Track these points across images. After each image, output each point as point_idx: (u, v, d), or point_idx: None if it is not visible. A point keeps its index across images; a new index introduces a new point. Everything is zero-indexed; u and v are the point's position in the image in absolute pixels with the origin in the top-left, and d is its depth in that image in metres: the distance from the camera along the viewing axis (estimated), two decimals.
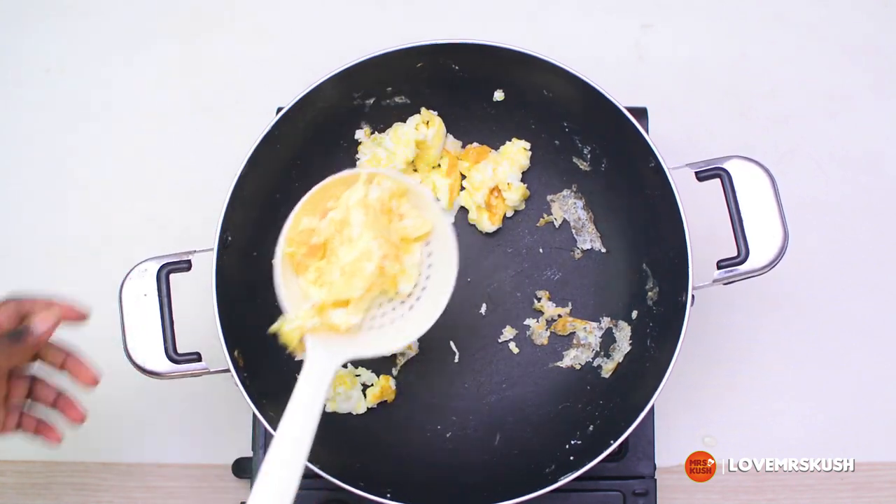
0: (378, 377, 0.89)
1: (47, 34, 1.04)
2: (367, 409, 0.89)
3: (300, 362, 0.87)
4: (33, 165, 1.01)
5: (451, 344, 0.90)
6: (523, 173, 0.92)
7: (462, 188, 0.91)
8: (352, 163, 0.91)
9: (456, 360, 0.90)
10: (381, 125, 0.90)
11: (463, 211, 0.92)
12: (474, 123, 0.92)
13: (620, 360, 0.87)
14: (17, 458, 0.93)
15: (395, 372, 0.90)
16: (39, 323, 0.73)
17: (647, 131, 0.83)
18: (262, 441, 0.88)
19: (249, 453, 0.89)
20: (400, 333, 0.77)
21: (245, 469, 0.89)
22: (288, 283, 0.74)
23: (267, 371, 0.83)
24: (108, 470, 0.93)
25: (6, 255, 0.98)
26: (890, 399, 0.94)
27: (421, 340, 0.90)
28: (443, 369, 0.90)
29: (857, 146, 1.00)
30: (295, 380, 0.86)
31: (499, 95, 0.89)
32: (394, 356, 0.90)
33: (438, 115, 0.90)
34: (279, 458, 0.67)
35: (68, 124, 1.02)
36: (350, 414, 0.88)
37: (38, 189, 1.00)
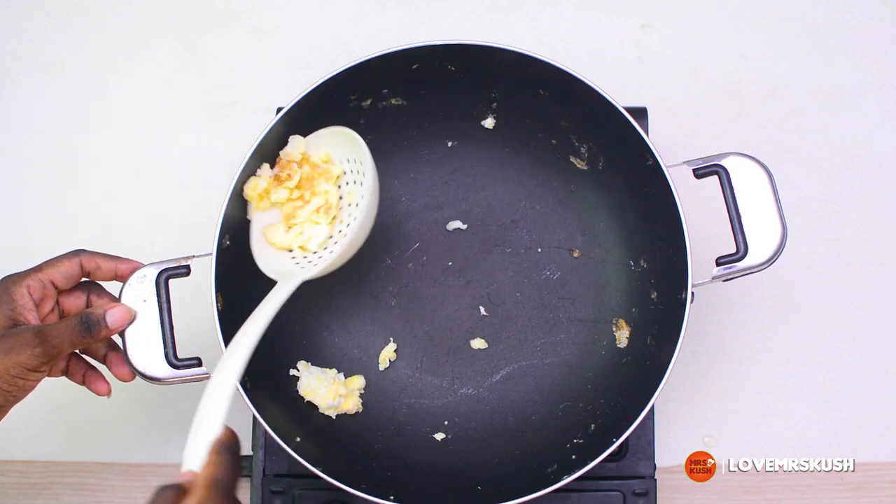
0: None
1: (47, 34, 1.04)
2: (367, 409, 0.89)
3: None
4: (32, 166, 1.01)
5: (452, 344, 0.90)
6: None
7: None
8: None
9: (456, 360, 0.90)
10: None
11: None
12: (470, 124, 0.92)
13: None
14: (17, 458, 0.93)
15: (381, 368, 0.90)
16: (114, 315, 0.76)
17: (646, 131, 0.83)
18: (261, 441, 0.89)
19: (249, 452, 0.89)
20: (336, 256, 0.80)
21: (245, 468, 0.89)
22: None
23: (267, 373, 0.83)
24: (108, 470, 0.93)
25: (4, 257, 0.98)
26: (890, 399, 0.94)
27: (421, 341, 0.90)
28: (443, 370, 0.90)
29: (858, 146, 1.00)
30: (294, 383, 0.87)
31: (494, 96, 0.90)
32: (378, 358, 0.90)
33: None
34: (224, 371, 0.69)
35: (68, 124, 1.02)
36: (351, 416, 0.88)
37: (38, 190, 1.00)
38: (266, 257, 0.81)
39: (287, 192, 0.82)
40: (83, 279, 0.78)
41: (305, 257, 0.81)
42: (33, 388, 0.75)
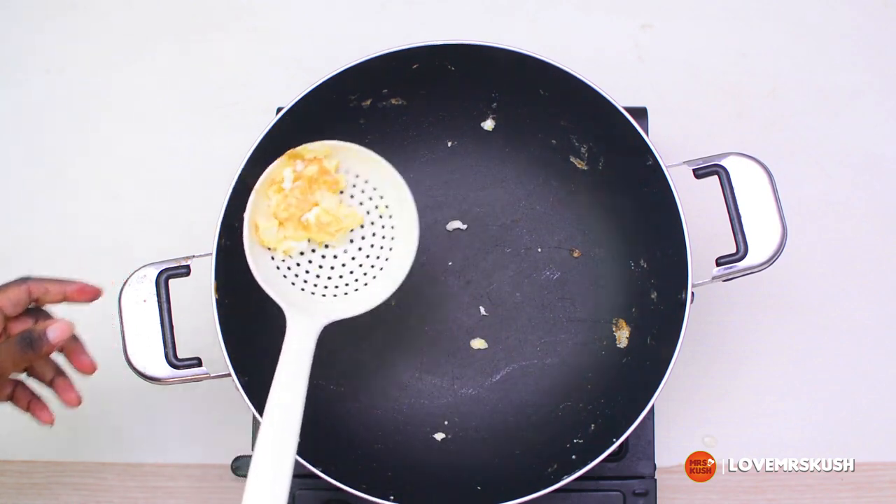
0: None
1: (47, 34, 1.04)
2: (368, 409, 0.89)
3: None
4: (32, 166, 1.01)
5: (452, 344, 0.90)
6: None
7: None
8: None
9: (456, 360, 0.90)
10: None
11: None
12: (470, 124, 0.92)
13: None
14: (17, 458, 0.93)
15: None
16: (55, 331, 0.74)
17: (646, 131, 0.83)
18: None
19: (249, 452, 0.89)
20: (372, 296, 0.79)
21: (244, 467, 0.89)
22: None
23: (268, 374, 0.83)
24: (107, 470, 0.93)
25: (2, 260, 0.98)
26: (890, 399, 0.94)
27: (421, 341, 0.90)
28: (443, 370, 0.90)
29: (858, 146, 1.00)
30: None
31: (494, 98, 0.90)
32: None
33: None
34: (269, 445, 0.67)
35: (68, 125, 1.02)
36: (351, 415, 0.88)
37: (37, 190, 1.00)
38: (259, 261, 0.79)
39: (290, 178, 0.80)
40: (31, 305, 0.77)
41: (307, 281, 0.80)
42: None
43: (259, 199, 0.79)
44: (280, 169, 0.79)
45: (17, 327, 0.76)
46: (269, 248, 0.79)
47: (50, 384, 0.79)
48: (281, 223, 0.79)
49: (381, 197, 0.81)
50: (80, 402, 0.78)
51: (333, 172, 0.81)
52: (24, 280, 0.76)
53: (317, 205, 0.80)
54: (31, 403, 0.79)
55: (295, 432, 0.69)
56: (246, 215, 0.78)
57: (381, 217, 0.81)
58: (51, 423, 0.79)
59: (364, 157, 0.81)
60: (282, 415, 0.70)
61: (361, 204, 0.81)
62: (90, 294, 0.77)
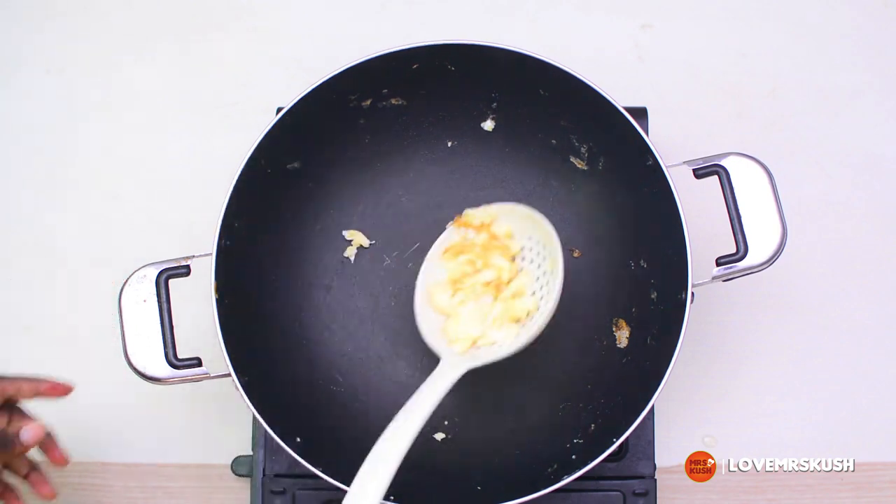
0: None
1: (47, 34, 1.04)
2: (368, 409, 0.89)
3: (300, 367, 0.88)
4: (32, 166, 1.01)
5: None
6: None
7: None
8: (350, 163, 0.91)
9: None
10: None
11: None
12: (470, 124, 0.92)
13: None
14: None
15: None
16: (28, 433, 0.76)
17: (646, 131, 0.83)
18: (261, 441, 0.88)
19: (249, 452, 0.89)
20: (518, 337, 0.81)
21: (244, 466, 0.89)
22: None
23: (267, 374, 0.83)
24: (108, 470, 0.93)
25: (2, 260, 0.98)
26: (890, 399, 0.94)
27: (421, 341, 0.90)
28: None
29: (858, 146, 1.00)
30: (294, 383, 0.87)
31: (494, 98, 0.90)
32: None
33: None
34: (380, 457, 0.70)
35: (68, 125, 1.02)
36: (352, 415, 0.88)
37: (37, 190, 1.00)
38: (428, 321, 0.82)
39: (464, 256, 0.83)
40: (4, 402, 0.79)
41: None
42: None
43: (431, 266, 0.82)
44: (451, 236, 0.83)
45: None
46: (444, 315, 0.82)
47: (25, 478, 0.81)
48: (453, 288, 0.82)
49: (542, 245, 0.82)
50: (55, 495, 0.81)
51: (504, 238, 0.83)
52: None
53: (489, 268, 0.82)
54: (3, 495, 0.81)
55: (403, 452, 0.71)
56: (419, 281, 0.82)
57: (543, 273, 0.82)
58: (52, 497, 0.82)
59: (523, 214, 0.82)
60: (400, 434, 0.72)
61: (532, 262, 0.83)
62: (61, 391, 0.80)
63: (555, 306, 0.80)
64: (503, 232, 0.83)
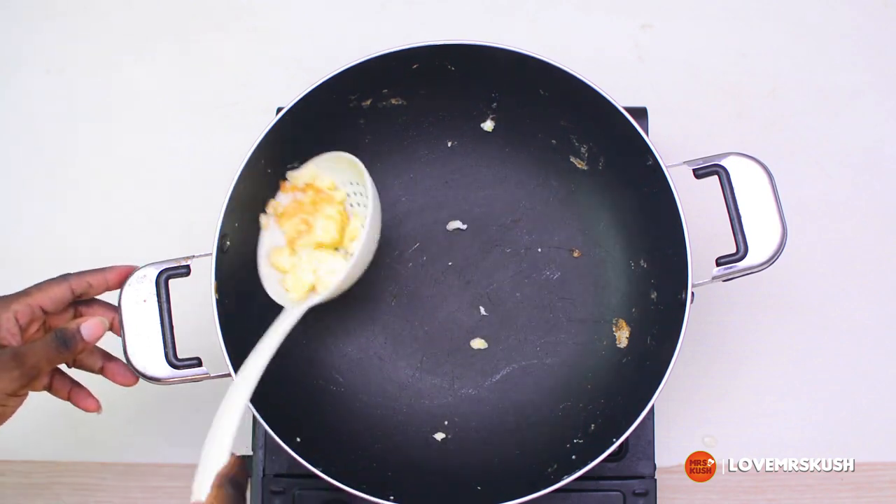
0: None
1: (47, 34, 1.04)
2: (367, 409, 0.89)
3: (300, 367, 0.88)
4: (32, 166, 1.01)
5: (452, 344, 0.90)
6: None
7: None
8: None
9: (456, 360, 0.90)
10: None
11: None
12: (470, 124, 0.92)
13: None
14: (17, 458, 0.93)
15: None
16: (88, 328, 0.75)
17: (646, 131, 0.83)
18: (261, 441, 0.88)
19: (249, 453, 0.89)
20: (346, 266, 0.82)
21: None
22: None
23: (267, 374, 0.83)
24: (107, 470, 0.93)
25: (3, 260, 0.98)
26: (890, 399, 0.94)
27: (421, 341, 0.90)
28: (443, 370, 0.90)
29: (858, 146, 1.00)
30: (295, 383, 0.87)
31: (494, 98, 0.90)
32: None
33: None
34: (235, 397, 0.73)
35: (68, 125, 1.02)
36: (351, 415, 0.88)
37: (37, 190, 1.00)
38: (273, 283, 0.83)
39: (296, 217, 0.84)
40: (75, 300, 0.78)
41: None
42: (13, 413, 0.75)
43: (268, 234, 0.84)
44: (283, 201, 0.84)
45: (58, 323, 0.77)
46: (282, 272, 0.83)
47: (101, 371, 0.80)
48: (292, 248, 0.83)
49: (361, 185, 0.83)
50: (137, 380, 0.80)
51: (329, 191, 0.85)
52: (65, 277, 0.77)
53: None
54: (70, 392, 0.80)
55: (250, 390, 0.74)
56: (260, 249, 0.84)
57: (360, 206, 0.85)
58: (98, 410, 0.80)
59: (340, 161, 0.84)
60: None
61: (359, 205, 0.85)
62: (124, 273, 0.79)
63: (372, 224, 0.81)
64: (327, 185, 0.85)
